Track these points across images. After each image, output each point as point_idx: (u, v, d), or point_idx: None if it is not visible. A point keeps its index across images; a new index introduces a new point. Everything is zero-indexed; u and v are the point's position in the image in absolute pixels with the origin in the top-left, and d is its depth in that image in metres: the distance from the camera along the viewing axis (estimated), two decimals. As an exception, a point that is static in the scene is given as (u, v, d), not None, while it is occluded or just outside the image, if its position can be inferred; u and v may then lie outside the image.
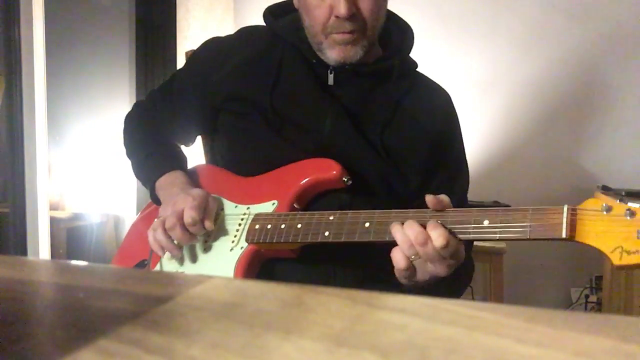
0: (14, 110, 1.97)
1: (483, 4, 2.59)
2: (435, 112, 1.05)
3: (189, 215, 0.90)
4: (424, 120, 1.02)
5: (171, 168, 1.05)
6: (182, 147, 1.19)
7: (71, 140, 2.92)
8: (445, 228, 0.78)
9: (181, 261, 0.98)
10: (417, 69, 1.09)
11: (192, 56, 1.15)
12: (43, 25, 2.05)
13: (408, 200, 1.00)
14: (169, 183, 1.02)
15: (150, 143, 1.12)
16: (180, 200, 0.93)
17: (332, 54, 0.96)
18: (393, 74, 1.01)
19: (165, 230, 0.92)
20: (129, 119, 1.18)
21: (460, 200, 1.05)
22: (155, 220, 0.95)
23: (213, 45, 1.11)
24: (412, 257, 0.80)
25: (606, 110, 2.48)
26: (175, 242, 0.94)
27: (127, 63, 2.72)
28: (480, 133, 2.56)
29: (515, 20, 2.56)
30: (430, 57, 2.55)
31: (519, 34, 2.55)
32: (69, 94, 2.86)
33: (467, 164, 1.09)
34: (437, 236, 0.76)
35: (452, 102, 1.09)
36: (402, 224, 0.80)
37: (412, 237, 0.78)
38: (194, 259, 0.98)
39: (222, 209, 1.00)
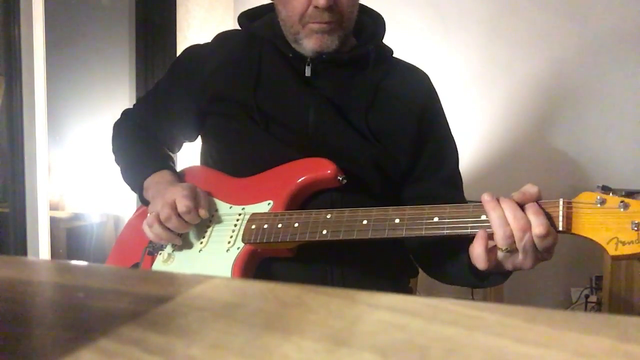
0: (14, 110, 1.97)
1: (483, 3, 2.59)
2: (415, 89, 1.07)
3: (183, 205, 0.92)
4: (406, 98, 1.04)
5: (157, 168, 1.06)
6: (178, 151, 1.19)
7: (71, 140, 2.92)
8: (547, 217, 0.75)
9: (176, 263, 0.98)
10: (394, 56, 1.11)
11: (173, 64, 1.17)
12: (43, 25, 2.05)
13: (399, 181, 1.03)
14: (156, 182, 1.03)
15: (135, 148, 1.13)
16: (169, 193, 0.95)
17: (309, 43, 0.97)
18: (369, 60, 1.03)
19: (161, 223, 0.93)
20: (117, 127, 1.20)
21: (452, 173, 1.06)
22: (148, 215, 0.96)
23: (192, 51, 1.13)
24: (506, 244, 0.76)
25: (606, 110, 2.48)
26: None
27: (127, 63, 2.71)
28: (480, 133, 2.56)
29: (515, 20, 2.56)
30: (430, 57, 2.56)
31: (519, 34, 2.55)
32: (69, 94, 2.85)
33: (453, 139, 1.09)
34: (538, 224, 0.74)
35: (430, 81, 1.11)
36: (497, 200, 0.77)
37: (511, 220, 0.75)
38: (189, 260, 0.97)
39: (217, 210, 1.00)
